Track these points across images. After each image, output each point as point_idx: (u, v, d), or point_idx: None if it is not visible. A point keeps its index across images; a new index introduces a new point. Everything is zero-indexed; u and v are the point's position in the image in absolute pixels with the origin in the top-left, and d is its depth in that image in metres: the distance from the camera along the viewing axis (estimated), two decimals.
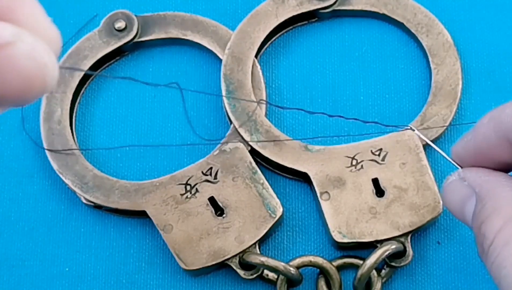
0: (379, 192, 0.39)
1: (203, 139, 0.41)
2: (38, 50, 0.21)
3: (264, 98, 0.42)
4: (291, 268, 0.37)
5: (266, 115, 0.41)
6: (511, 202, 0.26)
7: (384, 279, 0.38)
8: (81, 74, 0.42)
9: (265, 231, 0.38)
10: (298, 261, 0.38)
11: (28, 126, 0.42)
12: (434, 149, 0.32)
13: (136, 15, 0.43)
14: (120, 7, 0.44)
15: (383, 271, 0.38)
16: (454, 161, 0.30)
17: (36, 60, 0.21)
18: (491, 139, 0.28)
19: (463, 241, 0.40)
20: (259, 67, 0.42)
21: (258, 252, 0.38)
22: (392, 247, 0.37)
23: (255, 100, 0.41)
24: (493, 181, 0.28)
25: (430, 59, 0.42)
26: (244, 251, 0.38)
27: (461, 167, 0.30)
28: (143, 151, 0.42)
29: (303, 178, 0.40)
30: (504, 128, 0.28)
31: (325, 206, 0.39)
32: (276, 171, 0.41)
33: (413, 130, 0.33)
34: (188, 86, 0.43)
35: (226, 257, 0.38)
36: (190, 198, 0.39)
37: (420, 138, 0.33)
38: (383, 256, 0.37)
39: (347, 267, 0.39)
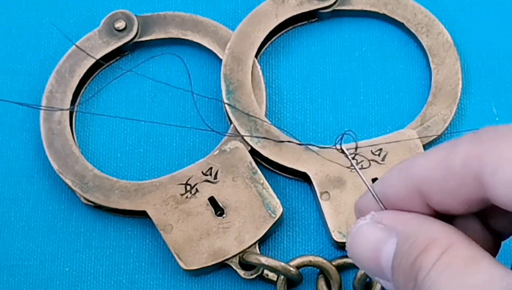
0: None
1: (210, 128, 0.41)
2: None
3: (264, 98, 0.42)
4: (291, 268, 0.37)
5: (266, 115, 0.41)
6: (445, 234, 0.26)
7: None
8: (81, 74, 0.42)
9: (265, 231, 0.38)
10: (298, 261, 0.38)
11: (28, 126, 0.42)
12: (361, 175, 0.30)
13: (136, 15, 0.43)
14: (120, 7, 0.44)
15: None
16: (378, 201, 0.28)
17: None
18: (401, 192, 0.27)
19: None
20: (259, 67, 0.42)
21: (258, 252, 0.38)
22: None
23: (255, 100, 0.41)
24: (418, 217, 0.27)
25: (430, 59, 0.42)
26: (244, 251, 0.38)
27: (385, 208, 0.28)
28: (143, 151, 0.42)
29: (303, 178, 0.40)
30: (415, 180, 0.27)
31: (325, 206, 0.39)
32: (276, 171, 0.41)
33: (342, 151, 0.30)
34: (188, 86, 0.43)
35: (226, 257, 0.38)
36: (190, 198, 0.39)
37: (347, 158, 0.31)
38: None
39: (347, 267, 0.39)
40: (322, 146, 0.38)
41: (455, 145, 0.26)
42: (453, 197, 0.26)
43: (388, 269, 0.27)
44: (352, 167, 0.39)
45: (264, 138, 0.40)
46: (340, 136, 0.31)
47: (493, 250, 0.28)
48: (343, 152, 0.30)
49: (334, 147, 0.31)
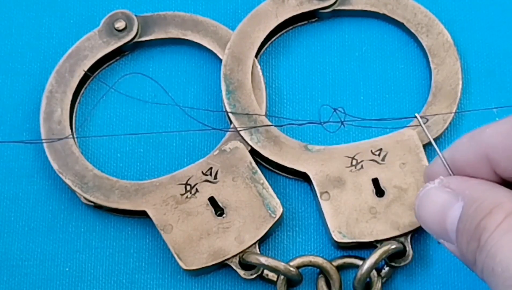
0: (379, 192, 0.39)
1: (209, 127, 0.41)
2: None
3: (264, 98, 0.42)
4: (291, 268, 0.37)
5: (266, 115, 0.41)
6: (510, 200, 0.27)
7: (384, 279, 0.38)
8: (81, 74, 0.42)
9: (265, 231, 0.38)
10: (298, 261, 0.38)
11: (28, 126, 0.42)
12: (435, 149, 0.31)
13: (136, 15, 0.43)
14: (120, 7, 0.44)
15: (383, 271, 0.38)
16: (447, 167, 0.29)
17: None
18: (470, 158, 0.28)
19: None
20: (259, 67, 0.42)
21: (258, 252, 0.38)
22: (392, 247, 0.37)
23: (255, 100, 0.41)
24: (483, 183, 0.28)
25: (430, 59, 0.42)
26: (244, 251, 0.38)
27: (453, 174, 0.29)
28: (143, 151, 0.42)
29: (303, 178, 0.40)
30: (484, 146, 0.28)
31: (325, 206, 0.39)
32: (276, 171, 0.41)
33: (419, 121, 0.32)
34: (188, 86, 0.43)
35: (226, 257, 0.38)
36: (190, 198, 0.39)
37: (424, 133, 0.32)
38: (383, 256, 0.37)
39: (347, 267, 0.39)
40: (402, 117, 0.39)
41: None
42: None
43: (453, 231, 0.28)
44: (361, 161, 0.39)
45: (265, 125, 0.40)
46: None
47: None
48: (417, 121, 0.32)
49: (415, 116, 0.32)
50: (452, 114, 0.41)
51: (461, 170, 0.29)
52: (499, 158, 0.27)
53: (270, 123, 0.41)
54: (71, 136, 0.41)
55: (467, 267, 0.28)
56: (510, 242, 0.25)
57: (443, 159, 0.29)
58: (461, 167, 0.29)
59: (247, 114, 0.41)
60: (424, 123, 0.32)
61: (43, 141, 0.40)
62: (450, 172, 0.29)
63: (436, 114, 0.40)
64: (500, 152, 0.27)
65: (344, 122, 0.34)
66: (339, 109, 0.32)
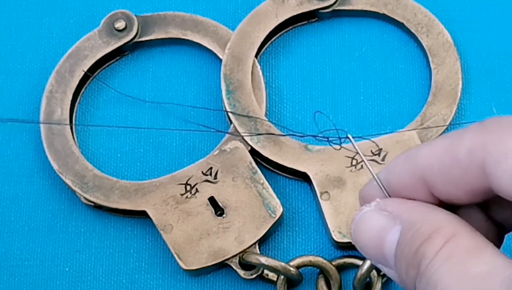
0: None
1: (209, 128, 0.41)
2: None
3: (264, 98, 0.42)
4: (291, 268, 0.37)
5: (266, 115, 0.41)
6: (449, 223, 0.26)
7: (384, 279, 0.38)
8: (81, 74, 0.42)
9: (265, 231, 0.38)
10: (298, 261, 0.38)
11: (28, 126, 0.42)
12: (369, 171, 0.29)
13: (136, 15, 0.43)
14: (120, 7, 0.44)
15: None
16: (383, 189, 0.28)
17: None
18: (406, 180, 0.27)
19: None
20: (259, 67, 0.42)
21: (258, 252, 0.38)
22: None
23: (255, 100, 0.41)
24: (422, 206, 0.27)
25: (430, 59, 0.42)
26: (244, 251, 0.38)
27: (389, 196, 0.28)
28: (143, 151, 0.42)
29: (303, 178, 0.40)
30: (420, 168, 0.27)
31: (325, 206, 0.39)
32: (276, 171, 0.41)
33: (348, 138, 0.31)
34: (188, 86, 0.43)
35: (226, 257, 0.38)
36: (190, 198, 0.39)
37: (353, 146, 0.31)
38: None
39: (347, 267, 0.39)
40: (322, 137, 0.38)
41: (461, 134, 0.26)
42: (457, 186, 0.26)
43: (391, 256, 0.27)
44: (360, 161, 0.39)
45: (267, 134, 0.40)
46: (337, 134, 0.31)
47: (496, 242, 0.28)
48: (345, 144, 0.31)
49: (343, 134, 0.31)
50: (452, 114, 0.41)
51: (397, 192, 0.28)
52: (436, 180, 0.26)
53: (270, 125, 0.41)
54: (68, 123, 0.41)
55: None
56: (451, 270, 0.24)
57: (378, 181, 0.28)
58: (398, 189, 0.28)
59: (247, 116, 0.41)
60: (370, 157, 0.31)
61: (41, 122, 0.40)
62: (386, 194, 0.28)
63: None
64: (436, 173, 0.26)
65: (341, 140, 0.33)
66: (343, 130, 0.31)
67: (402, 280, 0.27)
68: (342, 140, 0.31)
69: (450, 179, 0.26)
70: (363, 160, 0.30)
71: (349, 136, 0.30)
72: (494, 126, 0.25)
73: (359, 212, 0.28)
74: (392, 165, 0.28)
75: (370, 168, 0.29)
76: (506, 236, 0.29)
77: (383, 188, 0.28)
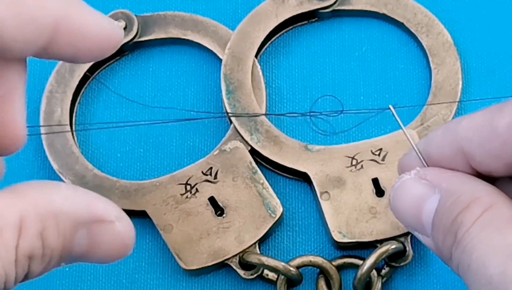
0: (379, 192, 0.39)
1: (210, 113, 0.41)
2: (128, 231, 0.27)
3: (264, 98, 0.42)
4: (291, 268, 0.37)
5: (266, 114, 0.41)
6: (487, 194, 0.26)
7: (384, 279, 0.38)
8: (81, 74, 0.42)
9: (265, 231, 0.38)
10: (298, 261, 0.38)
11: (28, 126, 0.42)
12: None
13: (136, 15, 0.43)
14: (120, 7, 0.44)
15: (383, 271, 0.38)
16: (422, 159, 0.29)
17: (124, 240, 0.27)
18: (445, 151, 0.28)
19: None
20: (259, 67, 0.42)
21: (258, 252, 0.38)
22: (392, 247, 0.37)
23: (255, 100, 0.41)
24: (460, 176, 0.27)
25: (430, 59, 0.42)
26: (244, 251, 0.38)
27: (428, 166, 0.28)
28: (143, 151, 0.42)
29: (303, 178, 0.40)
30: (460, 139, 0.27)
31: (325, 206, 0.39)
32: (276, 171, 0.41)
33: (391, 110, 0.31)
34: (188, 86, 0.43)
35: (226, 257, 0.38)
36: (190, 198, 0.39)
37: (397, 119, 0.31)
38: (383, 256, 0.37)
39: (347, 267, 0.39)
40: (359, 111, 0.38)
41: (501, 108, 0.26)
42: (496, 158, 0.26)
43: (428, 224, 0.27)
44: (361, 161, 0.39)
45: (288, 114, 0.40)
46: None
47: None
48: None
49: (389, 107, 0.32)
50: (452, 114, 0.41)
51: (436, 163, 0.28)
52: (475, 152, 0.27)
53: (270, 125, 0.41)
54: (68, 127, 0.41)
55: (442, 261, 0.28)
56: (488, 238, 0.25)
57: (417, 151, 0.29)
58: (437, 160, 0.28)
59: (247, 114, 0.41)
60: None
61: (41, 128, 0.41)
62: (425, 164, 0.28)
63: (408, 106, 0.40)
64: (475, 145, 0.27)
65: (329, 114, 0.33)
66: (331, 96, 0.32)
67: (438, 248, 0.27)
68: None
69: (489, 151, 0.26)
70: (402, 129, 0.30)
71: (391, 107, 0.31)
72: None
73: (398, 180, 0.29)
74: (432, 136, 0.29)
75: (409, 137, 0.29)
76: None
77: (422, 158, 0.28)
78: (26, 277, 0.25)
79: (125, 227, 0.26)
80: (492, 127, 0.26)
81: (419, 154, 0.29)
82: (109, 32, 0.27)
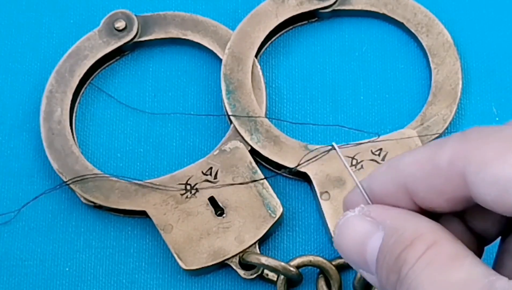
0: None
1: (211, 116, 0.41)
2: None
3: (264, 98, 0.42)
4: (291, 268, 0.37)
5: (266, 115, 0.41)
6: (431, 230, 0.26)
7: None
8: (81, 74, 0.42)
9: (265, 231, 0.38)
10: (298, 261, 0.38)
11: (28, 126, 0.42)
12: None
13: (136, 15, 0.43)
14: (120, 7, 0.44)
15: None
16: (366, 196, 0.28)
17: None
18: (389, 188, 0.28)
19: None
20: (259, 67, 0.42)
21: (258, 252, 0.38)
22: None
23: (255, 100, 0.41)
24: (404, 212, 0.27)
25: (430, 59, 0.42)
26: (244, 251, 0.38)
27: (372, 203, 0.28)
28: (143, 151, 0.42)
29: (303, 178, 0.40)
30: (402, 176, 0.27)
31: (325, 206, 0.39)
32: (276, 171, 0.41)
33: (335, 148, 0.31)
34: (188, 86, 0.43)
35: (226, 257, 0.38)
36: (190, 198, 0.39)
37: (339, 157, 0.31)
38: None
39: (347, 267, 0.39)
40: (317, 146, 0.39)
41: (443, 143, 0.26)
42: (439, 195, 0.26)
43: (372, 262, 0.27)
44: (361, 161, 0.39)
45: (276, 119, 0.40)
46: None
47: (476, 254, 0.27)
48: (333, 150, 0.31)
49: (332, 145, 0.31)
50: (452, 114, 0.41)
51: (380, 199, 0.28)
52: (418, 188, 0.27)
53: (270, 125, 0.41)
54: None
55: None
56: (431, 276, 0.24)
57: (361, 188, 0.28)
58: (380, 196, 0.28)
59: (247, 116, 0.41)
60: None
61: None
62: (369, 201, 0.28)
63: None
64: (418, 182, 0.27)
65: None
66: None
67: (382, 286, 0.27)
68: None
69: (432, 187, 0.26)
70: (346, 168, 0.30)
71: (335, 145, 0.31)
72: (475, 136, 0.25)
73: (342, 217, 0.28)
74: (375, 173, 0.29)
75: (353, 175, 0.29)
76: (485, 248, 0.29)
77: (365, 195, 0.28)
78: None
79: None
80: (434, 163, 0.26)
81: (362, 191, 0.28)
82: None
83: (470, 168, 0.25)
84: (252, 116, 0.41)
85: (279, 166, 0.40)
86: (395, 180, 0.27)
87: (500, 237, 0.29)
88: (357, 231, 0.27)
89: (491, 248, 0.29)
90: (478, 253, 0.28)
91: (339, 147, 0.31)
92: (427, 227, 0.26)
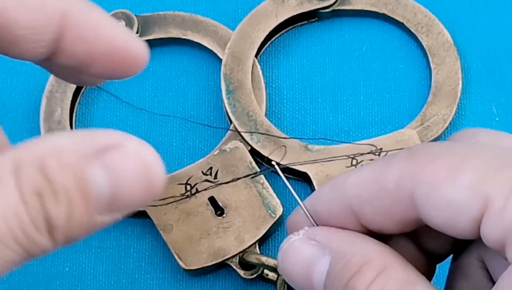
0: None
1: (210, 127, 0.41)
2: (143, 149, 0.23)
3: (264, 98, 0.42)
4: None
5: (266, 115, 0.41)
6: (380, 255, 0.25)
7: None
8: None
9: (265, 231, 0.38)
10: None
11: (28, 126, 0.42)
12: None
13: (136, 15, 0.43)
14: (120, 7, 0.44)
15: None
16: (310, 218, 0.27)
17: (145, 161, 0.23)
18: (334, 209, 0.26)
19: None
20: (259, 67, 0.42)
21: (258, 252, 0.38)
22: None
23: (255, 100, 0.41)
24: (352, 235, 0.26)
25: (430, 59, 0.42)
26: (244, 251, 0.38)
27: (317, 225, 0.27)
28: None
29: (303, 178, 0.40)
30: (348, 196, 0.26)
31: None
32: (276, 171, 0.41)
33: (275, 167, 0.30)
34: (188, 86, 0.43)
35: (226, 257, 0.38)
36: (190, 198, 0.39)
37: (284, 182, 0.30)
38: None
39: None
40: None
41: (389, 162, 0.25)
42: (386, 216, 0.25)
43: (320, 288, 0.26)
44: (361, 161, 0.39)
45: (265, 134, 0.40)
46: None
47: (428, 273, 0.27)
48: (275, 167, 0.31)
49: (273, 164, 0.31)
50: (452, 114, 0.41)
51: (325, 220, 0.27)
52: (364, 210, 0.25)
53: (270, 125, 0.41)
54: None
55: None
56: None
57: (304, 209, 0.27)
58: (325, 218, 0.27)
59: (247, 116, 0.41)
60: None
61: None
62: (314, 223, 0.27)
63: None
64: (364, 203, 0.25)
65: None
66: None
67: None
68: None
69: (379, 209, 0.25)
70: (288, 187, 0.29)
71: (275, 166, 0.30)
72: (423, 155, 0.24)
73: (286, 241, 0.27)
74: (319, 193, 0.27)
75: (296, 195, 0.28)
76: (438, 265, 0.28)
77: (309, 216, 0.27)
78: (69, 227, 0.23)
79: (137, 146, 0.23)
80: (381, 185, 0.25)
81: (306, 212, 0.27)
82: (127, 40, 0.25)
83: (419, 190, 0.24)
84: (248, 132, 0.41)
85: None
86: (340, 201, 0.26)
87: (452, 255, 0.28)
88: (302, 256, 0.26)
89: (444, 266, 0.28)
90: (431, 271, 0.27)
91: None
92: (375, 252, 0.25)
